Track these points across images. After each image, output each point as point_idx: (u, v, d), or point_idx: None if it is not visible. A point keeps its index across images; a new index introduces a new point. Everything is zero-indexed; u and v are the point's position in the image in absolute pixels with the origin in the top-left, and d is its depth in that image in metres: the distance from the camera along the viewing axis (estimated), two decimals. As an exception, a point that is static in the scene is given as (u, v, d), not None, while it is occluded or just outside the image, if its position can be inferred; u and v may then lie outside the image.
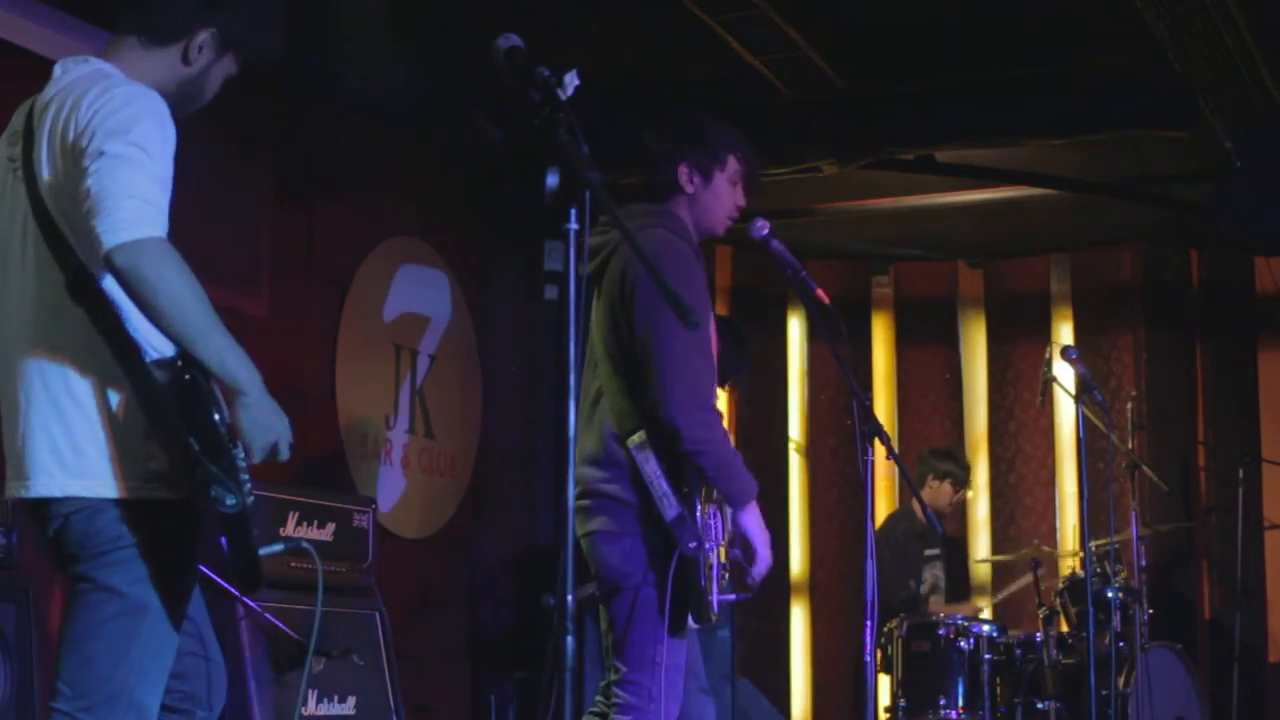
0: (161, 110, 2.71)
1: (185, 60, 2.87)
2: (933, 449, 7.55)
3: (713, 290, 7.76)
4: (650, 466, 3.51)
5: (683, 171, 3.82)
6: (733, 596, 3.59)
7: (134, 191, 2.58)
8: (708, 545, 3.55)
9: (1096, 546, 6.31)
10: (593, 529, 3.62)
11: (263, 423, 2.71)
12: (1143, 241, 8.09)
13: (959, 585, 7.77)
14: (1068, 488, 8.01)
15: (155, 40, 2.86)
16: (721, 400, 5.06)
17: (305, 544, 2.95)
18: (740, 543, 3.69)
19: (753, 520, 3.68)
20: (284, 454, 2.77)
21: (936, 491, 7.27)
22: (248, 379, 2.68)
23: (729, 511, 3.69)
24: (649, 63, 6.29)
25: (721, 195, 3.85)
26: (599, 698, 3.71)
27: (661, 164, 3.84)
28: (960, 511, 8.12)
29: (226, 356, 2.65)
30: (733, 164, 3.86)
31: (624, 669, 3.57)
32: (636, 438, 3.53)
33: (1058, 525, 8.02)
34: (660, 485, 3.50)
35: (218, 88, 2.95)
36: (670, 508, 3.49)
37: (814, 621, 8.14)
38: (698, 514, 3.53)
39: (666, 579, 3.48)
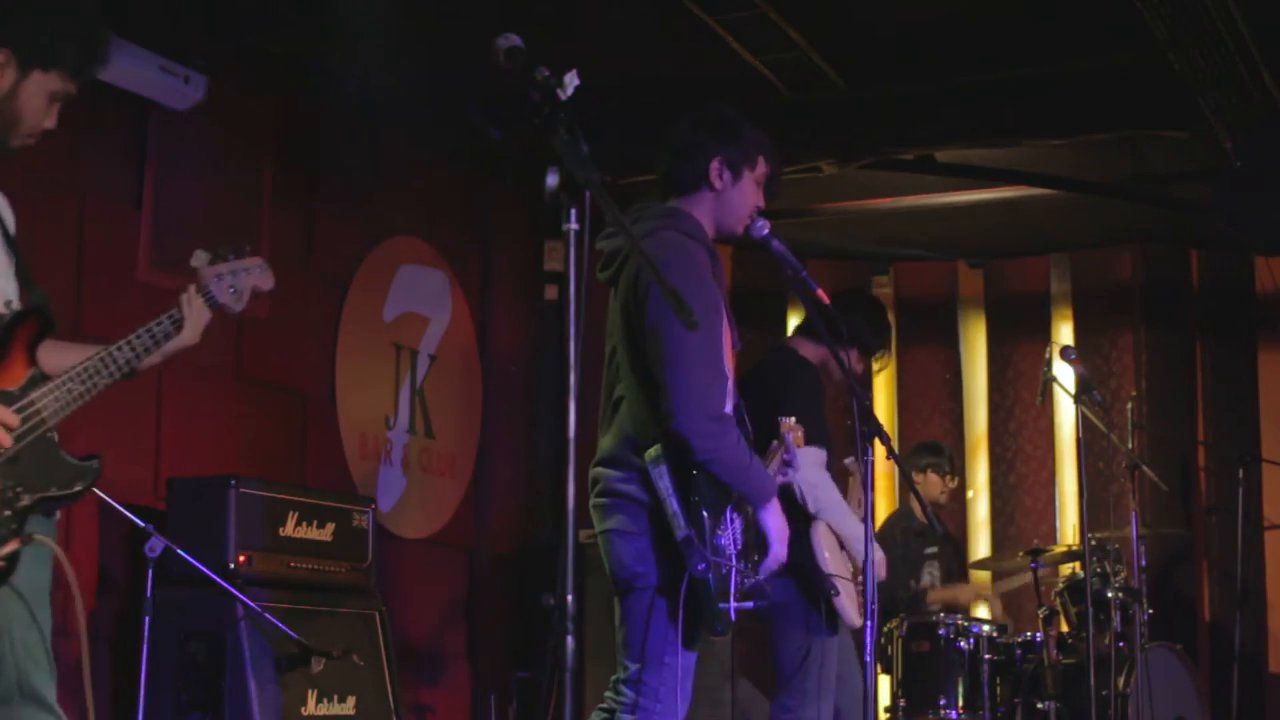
0: None
1: None
2: (912, 447, 7.55)
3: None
4: (664, 483, 3.49)
5: (714, 166, 3.78)
6: (750, 604, 3.58)
7: None
8: (727, 546, 3.54)
9: (1097, 539, 6.32)
10: (608, 528, 3.61)
11: None
12: (1143, 241, 8.09)
13: (958, 578, 7.76)
14: (1068, 488, 8.01)
15: None
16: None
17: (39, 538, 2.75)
18: (756, 540, 3.69)
19: (771, 516, 3.68)
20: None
21: (924, 486, 7.27)
22: None
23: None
24: (649, 63, 6.29)
25: (747, 194, 3.83)
26: (608, 693, 3.71)
27: (692, 156, 3.80)
28: (960, 511, 8.12)
29: None
30: (762, 165, 3.84)
31: (633, 668, 3.57)
32: (653, 452, 3.51)
33: (1058, 525, 8.02)
34: (672, 504, 3.49)
35: (45, 108, 2.79)
36: (680, 528, 3.47)
37: (814, 621, 8.13)
38: (706, 527, 3.51)
39: (679, 586, 3.48)
